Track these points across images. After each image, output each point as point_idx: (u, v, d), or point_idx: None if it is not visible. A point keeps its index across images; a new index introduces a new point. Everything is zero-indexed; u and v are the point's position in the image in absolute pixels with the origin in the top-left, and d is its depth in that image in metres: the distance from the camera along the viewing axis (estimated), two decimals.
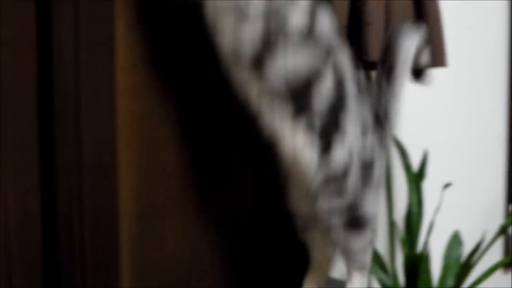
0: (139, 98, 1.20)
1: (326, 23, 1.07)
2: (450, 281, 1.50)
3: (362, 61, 1.47)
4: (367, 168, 1.11)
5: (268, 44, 1.02)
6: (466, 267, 1.54)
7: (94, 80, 1.13)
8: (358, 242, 1.12)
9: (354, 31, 1.45)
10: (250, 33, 1.01)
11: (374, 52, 1.41)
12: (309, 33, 1.04)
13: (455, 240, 1.64)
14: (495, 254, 1.81)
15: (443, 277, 1.51)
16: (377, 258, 1.65)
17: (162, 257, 1.26)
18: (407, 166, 1.65)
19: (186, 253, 1.29)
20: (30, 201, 1.13)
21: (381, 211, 1.68)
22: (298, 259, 1.25)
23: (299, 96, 1.04)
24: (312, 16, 1.04)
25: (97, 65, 1.13)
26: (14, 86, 1.11)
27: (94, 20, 1.13)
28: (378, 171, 1.14)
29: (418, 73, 1.27)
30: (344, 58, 1.10)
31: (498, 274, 1.72)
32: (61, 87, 1.13)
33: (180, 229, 1.28)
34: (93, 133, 1.14)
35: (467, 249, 1.61)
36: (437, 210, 1.53)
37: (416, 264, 1.48)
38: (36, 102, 1.13)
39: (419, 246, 1.56)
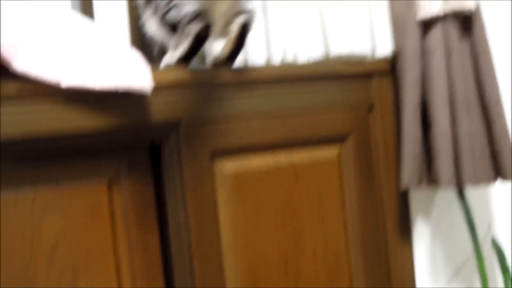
0: (243, 253, 1.37)
1: None
2: None
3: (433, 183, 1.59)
4: None
5: None
6: None
7: (203, 242, 1.31)
8: None
9: (428, 160, 1.58)
10: None
11: (445, 178, 1.53)
12: None
13: None
14: None
15: None
16: None
17: None
18: (504, 267, 1.71)
19: None
20: None
21: None
22: None
23: None
24: None
25: (204, 229, 1.32)
26: (144, 257, 1.26)
27: (199, 197, 1.31)
28: None
29: None
30: None
31: None
32: (178, 251, 1.29)
33: None
34: (204, 282, 1.31)
35: None
36: None
37: None
38: (160, 264, 1.28)
39: None
